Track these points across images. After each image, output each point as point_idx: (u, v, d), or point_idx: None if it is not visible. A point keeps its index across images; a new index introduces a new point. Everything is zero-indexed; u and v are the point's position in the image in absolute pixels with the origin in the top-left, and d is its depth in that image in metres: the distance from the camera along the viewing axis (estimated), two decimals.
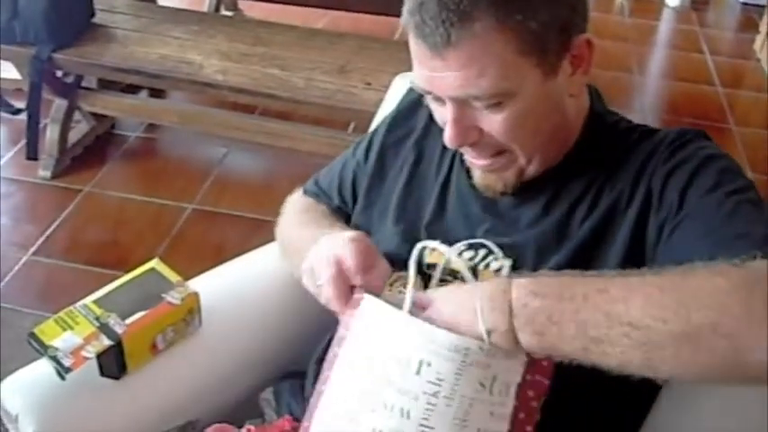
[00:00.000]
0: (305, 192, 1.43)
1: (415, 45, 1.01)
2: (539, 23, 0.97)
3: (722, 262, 0.85)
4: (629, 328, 0.83)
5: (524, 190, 1.12)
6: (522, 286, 0.88)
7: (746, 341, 0.79)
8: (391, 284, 1.09)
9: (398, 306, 0.93)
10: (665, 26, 4.61)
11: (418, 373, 0.88)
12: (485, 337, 0.87)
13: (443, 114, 1.06)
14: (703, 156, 1.05)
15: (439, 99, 1.05)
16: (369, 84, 2.70)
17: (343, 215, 1.35)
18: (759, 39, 4.19)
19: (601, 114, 1.16)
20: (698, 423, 1.13)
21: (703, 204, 1.00)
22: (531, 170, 1.11)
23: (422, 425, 0.88)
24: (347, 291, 1.00)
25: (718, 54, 4.18)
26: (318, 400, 0.96)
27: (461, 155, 1.17)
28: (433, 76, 1.00)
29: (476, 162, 1.11)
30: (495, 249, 1.09)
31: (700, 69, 4.04)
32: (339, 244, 1.03)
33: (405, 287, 0.95)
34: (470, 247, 1.13)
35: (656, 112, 3.70)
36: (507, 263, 1.10)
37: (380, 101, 1.60)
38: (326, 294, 1.02)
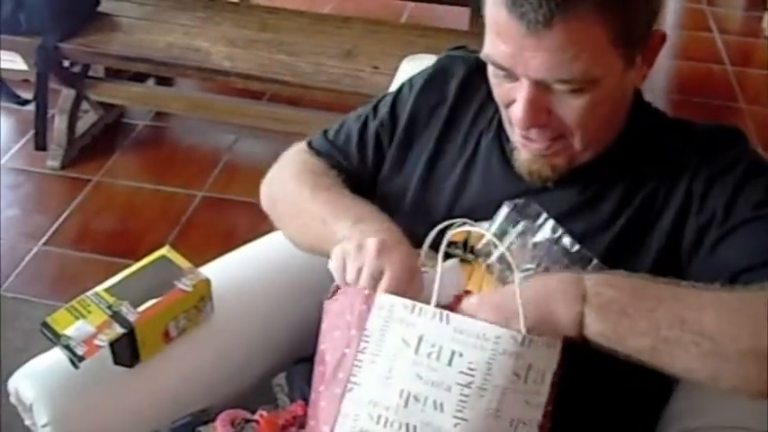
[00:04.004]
0: (312, 147, 1.34)
1: (506, 20, 0.95)
2: (634, 14, 0.96)
3: None
4: (699, 337, 0.85)
5: (568, 177, 1.10)
6: (596, 276, 0.91)
7: None
8: None
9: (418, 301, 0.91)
10: (672, 5, 4.57)
11: (450, 364, 0.87)
12: (523, 330, 0.87)
13: (510, 92, 1.03)
14: (749, 163, 1.05)
15: (511, 76, 1.01)
16: (376, 67, 2.68)
17: (357, 180, 1.27)
18: (767, 17, 4.15)
19: (645, 105, 1.15)
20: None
21: (752, 220, 1.00)
22: (583, 158, 1.09)
23: (456, 416, 0.86)
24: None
25: (726, 33, 4.14)
26: (339, 403, 0.93)
27: (493, 134, 1.16)
28: (521, 54, 0.96)
29: (531, 145, 1.07)
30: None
31: (708, 48, 4.00)
32: (391, 259, 0.97)
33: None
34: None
35: (666, 91, 3.67)
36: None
37: (388, 85, 1.59)
38: (358, 281, 0.98)
